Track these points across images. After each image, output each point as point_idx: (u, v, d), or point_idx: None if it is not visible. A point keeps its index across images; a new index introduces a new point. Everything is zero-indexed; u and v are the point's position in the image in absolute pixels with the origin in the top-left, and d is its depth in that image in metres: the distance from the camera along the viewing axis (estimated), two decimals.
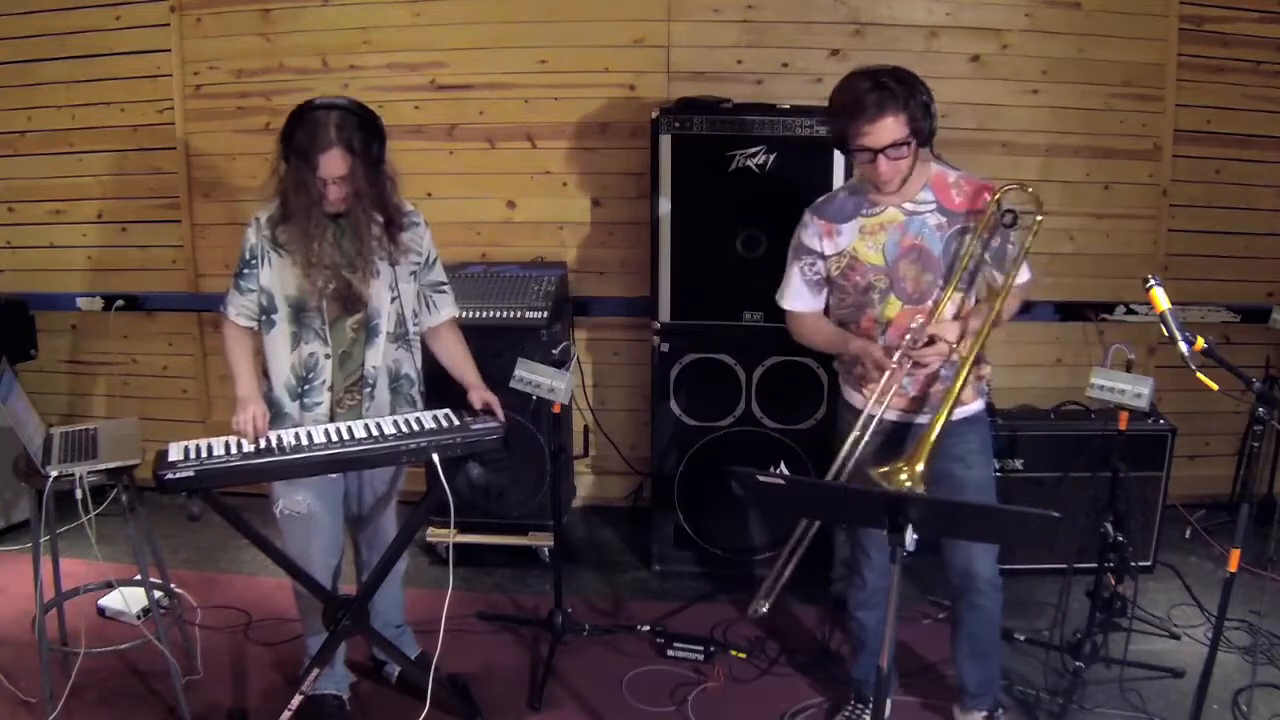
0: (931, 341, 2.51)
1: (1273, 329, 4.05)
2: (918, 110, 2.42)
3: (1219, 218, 4.11)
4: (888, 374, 2.52)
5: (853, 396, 2.71)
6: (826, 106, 2.54)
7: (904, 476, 2.38)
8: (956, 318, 2.57)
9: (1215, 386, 2.26)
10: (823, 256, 2.62)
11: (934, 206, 2.56)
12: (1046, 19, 3.94)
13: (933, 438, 2.41)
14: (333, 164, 2.50)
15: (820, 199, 2.68)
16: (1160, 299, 2.33)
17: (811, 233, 2.63)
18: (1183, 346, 2.27)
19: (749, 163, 3.52)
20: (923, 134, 2.45)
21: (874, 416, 2.56)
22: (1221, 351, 2.33)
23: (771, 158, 3.50)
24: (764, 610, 2.59)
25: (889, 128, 2.40)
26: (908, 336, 2.51)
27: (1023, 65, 3.98)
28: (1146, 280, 2.36)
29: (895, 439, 2.64)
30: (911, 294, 2.57)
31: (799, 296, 2.70)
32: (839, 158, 3.45)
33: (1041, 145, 4.04)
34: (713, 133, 3.52)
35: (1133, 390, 2.83)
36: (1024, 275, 2.64)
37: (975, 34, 3.96)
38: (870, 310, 2.60)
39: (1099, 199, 4.09)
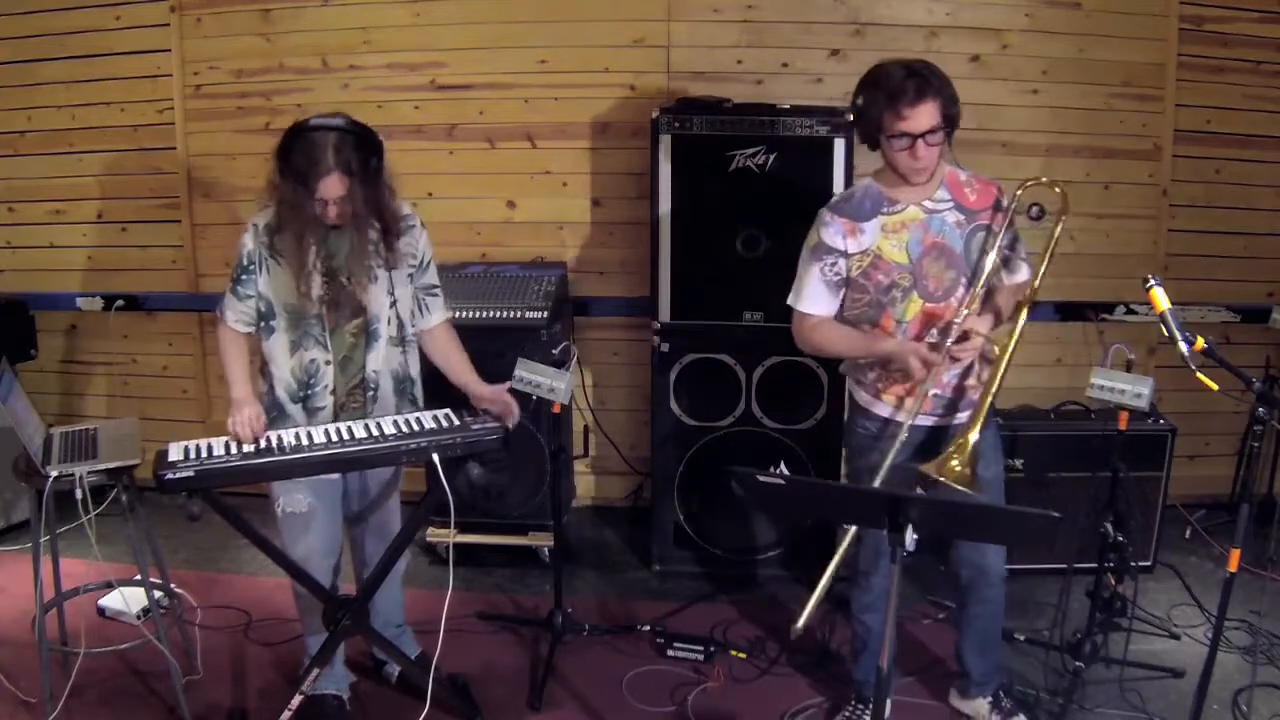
0: (966, 336, 2.51)
1: (1273, 329, 4.04)
2: (948, 98, 2.44)
3: (1219, 218, 4.11)
4: (931, 372, 2.50)
5: (871, 403, 2.68)
6: (854, 100, 2.52)
7: (955, 463, 2.41)
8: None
9: (1215, 386, 2.27)
10: (845, 255, 2.58)
11: (951, 204, 2.57)
12: (1046, 19, 3.94)
13: (979, 422, 2.47)
14: (331, 187, 2.50)
15: (836, 198, 2.66)
16: (1160, 299, 2.34)
17: (834, 231, 2.58)
18: (1183, 346, 2.27)
19: (749, 163, 3.52)
20: (952, 123, 2.47)
21: (910, 424, 2.54)
22: (1221, 351, 2.33)
23: (771, 158, 3.50)
24: (801, 629, 2.38)
25: (928, 112, 2.41)
26: (954, 330, 2.50)
27: (1023, 65, 3.98)
28: (1146, 280, 2.37)
29: (927, 445, 2.64)
30: (933, 292, 2.56)
31: (817, 298, 2.63)
32: (839, 158, 3.46)
33: (1041, 145, 4.04)
34: (713, 133, 3.52)
35: (1133, 390, 2.83)
36: (1025, 273, 2.69)
37: (975, 34, 3.96)
38: (891, 309, 2.58)
39: (1099, 199, 4.08)
